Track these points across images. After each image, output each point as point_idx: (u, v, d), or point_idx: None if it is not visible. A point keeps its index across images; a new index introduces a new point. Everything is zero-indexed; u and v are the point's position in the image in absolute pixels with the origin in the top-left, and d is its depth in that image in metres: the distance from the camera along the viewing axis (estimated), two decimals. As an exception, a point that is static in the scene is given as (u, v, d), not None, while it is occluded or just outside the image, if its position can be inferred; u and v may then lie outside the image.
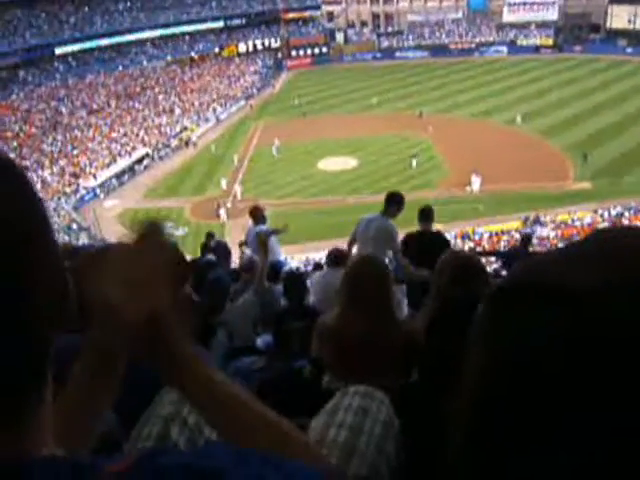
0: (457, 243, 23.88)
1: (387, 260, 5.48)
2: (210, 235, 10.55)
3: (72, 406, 0.86)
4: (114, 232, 29.64)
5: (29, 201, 0.53)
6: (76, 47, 57.09)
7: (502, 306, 0.47)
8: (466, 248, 21.30)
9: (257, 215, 7.30)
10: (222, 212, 31.16)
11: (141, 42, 62.67)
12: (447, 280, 2.60)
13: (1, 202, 0.49)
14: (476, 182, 31.71)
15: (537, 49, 64.83)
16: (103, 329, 0.81)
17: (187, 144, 44.47)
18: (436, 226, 8.35)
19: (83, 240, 26.36)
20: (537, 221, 26.89)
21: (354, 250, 5.98)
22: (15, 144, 40.61)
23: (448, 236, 23.27)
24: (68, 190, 35.97)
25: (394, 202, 5.69)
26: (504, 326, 0.46)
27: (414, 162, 35.03)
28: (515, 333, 0.44)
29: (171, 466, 0.53)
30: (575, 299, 0.41)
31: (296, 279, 4.45)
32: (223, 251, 9.88)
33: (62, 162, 39.83)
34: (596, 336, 0.40)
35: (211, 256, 8.31)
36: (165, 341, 0.81)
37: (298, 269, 11.92)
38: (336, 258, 5.33)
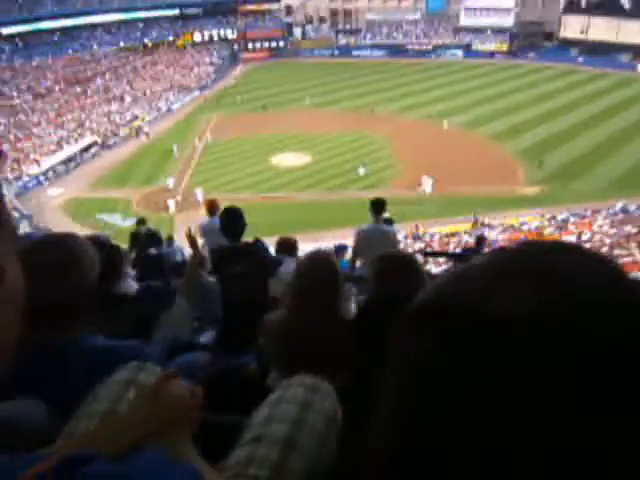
0: (407, 243, 24.15)
1: None
2: (141, 221, 9.74)
3: None
4: (57, 221, 28.68)
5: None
6: (24, 28, 55.06)
7: (415, 331, 0.41)
8: (416, 248, 21.56)
9: (211, 209, 7.13)
10: (170, 203, 30.52)
11: (93, 26, 60.86)
12: (373, 279, 2.60)
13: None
14: (428, 183, 32.00)
15: (492, 54, 66.31)
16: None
17: (138, 134, 43.39)
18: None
19: (25, 229, 25.35)
20: (484, 224, 27.44)
21: (358, 263, 6.37)
22: (-45, 126, 38.85)
23: (399, 236, 23.45)
24: (10, 176, 34.56)
25: (382, 209, 6.15)
26: (418, 354, 0.40)
27: (361, 170, 34.32)
28: (430, 363, 0.38)
29: (93, 475, 0.50)
30: (500, 325, 0.36)
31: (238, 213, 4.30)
32: (157, 241, 9.26)
33: (5, 146, 38.26)
34: (522, 367, 0.34)
35: (154, 250, 7.99)
36: None
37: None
38: (283, 247, 5.81)
